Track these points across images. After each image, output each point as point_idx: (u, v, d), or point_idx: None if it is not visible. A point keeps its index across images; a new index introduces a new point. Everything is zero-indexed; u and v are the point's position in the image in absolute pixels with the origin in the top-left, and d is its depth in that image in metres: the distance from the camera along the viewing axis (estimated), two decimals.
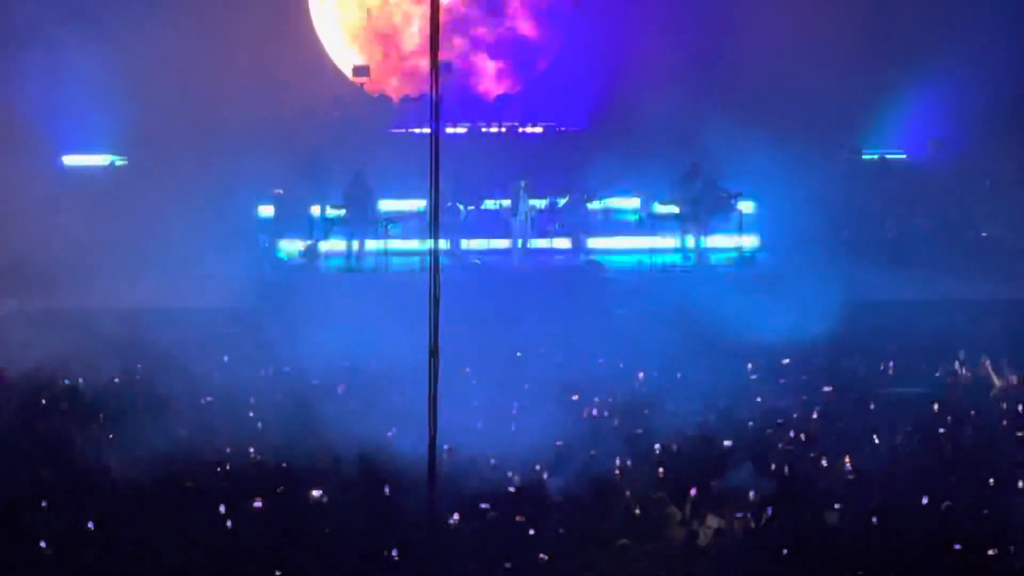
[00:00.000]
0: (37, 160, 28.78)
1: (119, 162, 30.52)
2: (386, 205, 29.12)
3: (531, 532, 15.04)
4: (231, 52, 29.97)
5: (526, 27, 32.88)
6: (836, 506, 15.75)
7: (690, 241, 28.66)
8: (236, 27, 30.37)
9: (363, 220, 28.45)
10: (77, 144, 30.15)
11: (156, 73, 29.34)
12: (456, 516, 15.18)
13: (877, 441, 18.28)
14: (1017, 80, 29.50)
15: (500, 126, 32.13)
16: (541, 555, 14.47)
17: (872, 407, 20.13)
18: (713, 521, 15.49)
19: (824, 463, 17.50)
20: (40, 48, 28.85)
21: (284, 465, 16.91)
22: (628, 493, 16.16)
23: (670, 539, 15.10)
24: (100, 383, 20.97)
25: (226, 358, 22.22)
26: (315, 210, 28.94)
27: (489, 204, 29.45)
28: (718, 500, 15.94)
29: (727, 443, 18.08)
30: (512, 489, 16.37)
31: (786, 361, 22.40)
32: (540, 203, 29.30)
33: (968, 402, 20.36)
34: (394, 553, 14.29)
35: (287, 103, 31.10)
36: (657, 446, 18.02)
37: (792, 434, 18.72)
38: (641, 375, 21.77)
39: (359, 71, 32.24)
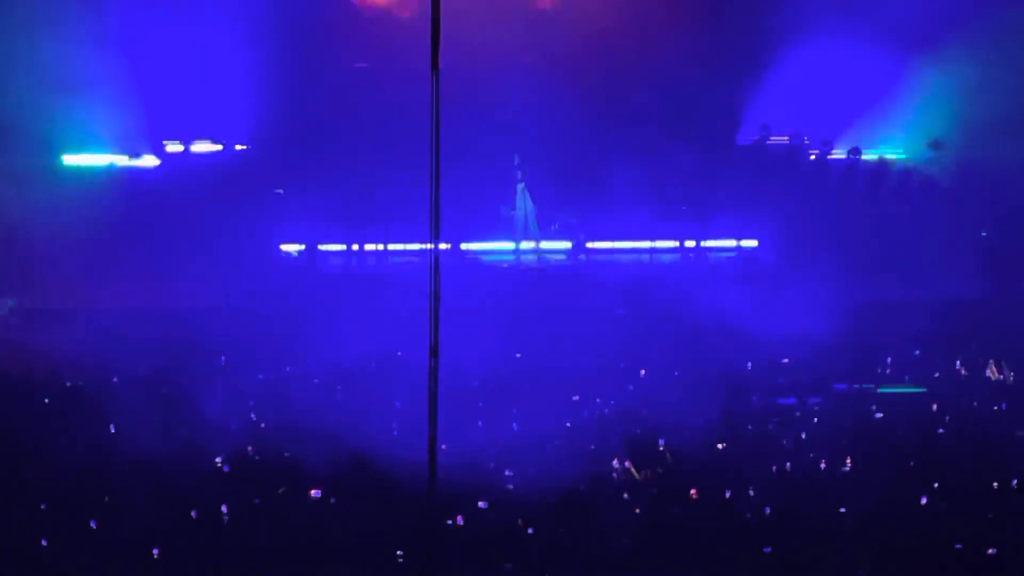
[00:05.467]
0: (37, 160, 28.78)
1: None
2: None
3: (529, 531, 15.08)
4: (235, 50, 29.91)
5: None
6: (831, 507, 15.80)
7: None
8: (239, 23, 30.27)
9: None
10: (78, 144, 30.12)
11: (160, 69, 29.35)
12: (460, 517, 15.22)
13: (876, 441, 18.32)
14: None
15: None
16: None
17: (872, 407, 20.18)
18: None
19: (824, 463, 17.54)
20: (37, 48, 28.81)
21: None
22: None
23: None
24: (101, 383, 20.98)
25: None
26: None
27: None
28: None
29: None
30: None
31: (785, 360, 22.46)
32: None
33: (967, 401, 20.40)
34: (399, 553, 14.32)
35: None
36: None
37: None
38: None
39: None
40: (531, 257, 28.43)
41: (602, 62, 29.55)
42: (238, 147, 29.31)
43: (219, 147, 29.84)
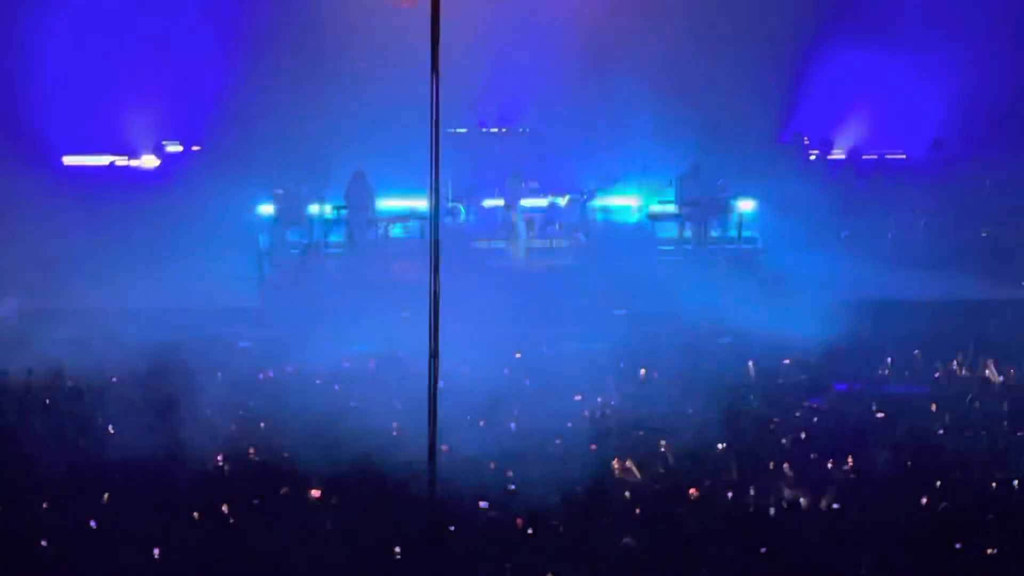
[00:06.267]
0: (37, 160, 28.82)
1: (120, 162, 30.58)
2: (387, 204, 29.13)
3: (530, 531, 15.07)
4: (235, 49, 29.90)
5: None
6: (832, 506, 15.81)
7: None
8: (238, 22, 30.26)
9: (363, 220, 28.46)
10: (77, 144, 30.17)
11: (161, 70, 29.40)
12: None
13: (877, 441, 18.30)
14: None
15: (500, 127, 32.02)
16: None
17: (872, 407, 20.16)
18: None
19: (824, 462, 17.52)
20: (39, 47, 28.87)
21: None
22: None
23: None
24: (99, 383, 20.95)
25: None
26: (314, 209, 28.90)
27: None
28: None
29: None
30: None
31: (787, 361, 22.45)
32: (541, 202, 29.34)
33: (967, 402, 20.39)
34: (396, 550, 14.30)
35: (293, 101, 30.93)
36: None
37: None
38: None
39: None
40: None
41: (601, 57, 29.60)
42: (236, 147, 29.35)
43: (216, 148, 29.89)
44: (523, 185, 28.69)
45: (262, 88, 29.81)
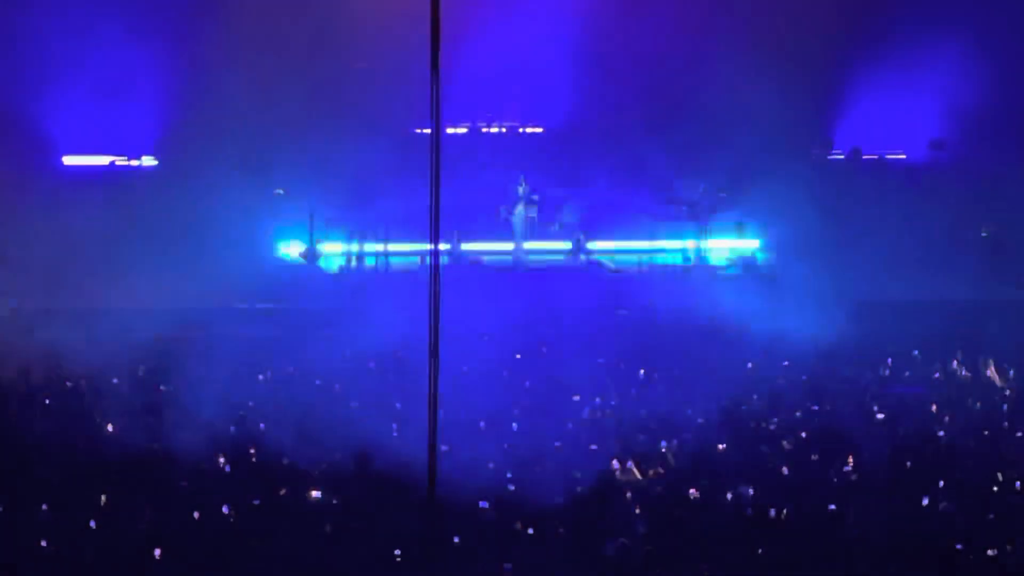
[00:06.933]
0: (37, 160, 28.84)
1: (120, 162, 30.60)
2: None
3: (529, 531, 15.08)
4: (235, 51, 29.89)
5: None
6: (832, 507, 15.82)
7: (690, 243, 28.74)
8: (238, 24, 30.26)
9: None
10: (77, 144, 30.17)
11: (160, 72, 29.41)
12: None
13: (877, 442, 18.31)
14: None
15: (500, 126, 32.02)
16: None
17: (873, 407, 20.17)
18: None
19: (825, 463, 17.52)
20: (42, 47, 28.87)
21: None
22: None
23: None
24: (99, 383, 20.96)
25: None
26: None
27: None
28: None
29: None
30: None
31: (786, 363, 22.46)
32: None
33: (967, 402, 20.41)
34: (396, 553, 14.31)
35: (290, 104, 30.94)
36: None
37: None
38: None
39: None
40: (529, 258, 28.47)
41: (603, 57, 29.60)
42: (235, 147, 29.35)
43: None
44: (524, 187, 28.71)
45: (261, 88, 29.85)
